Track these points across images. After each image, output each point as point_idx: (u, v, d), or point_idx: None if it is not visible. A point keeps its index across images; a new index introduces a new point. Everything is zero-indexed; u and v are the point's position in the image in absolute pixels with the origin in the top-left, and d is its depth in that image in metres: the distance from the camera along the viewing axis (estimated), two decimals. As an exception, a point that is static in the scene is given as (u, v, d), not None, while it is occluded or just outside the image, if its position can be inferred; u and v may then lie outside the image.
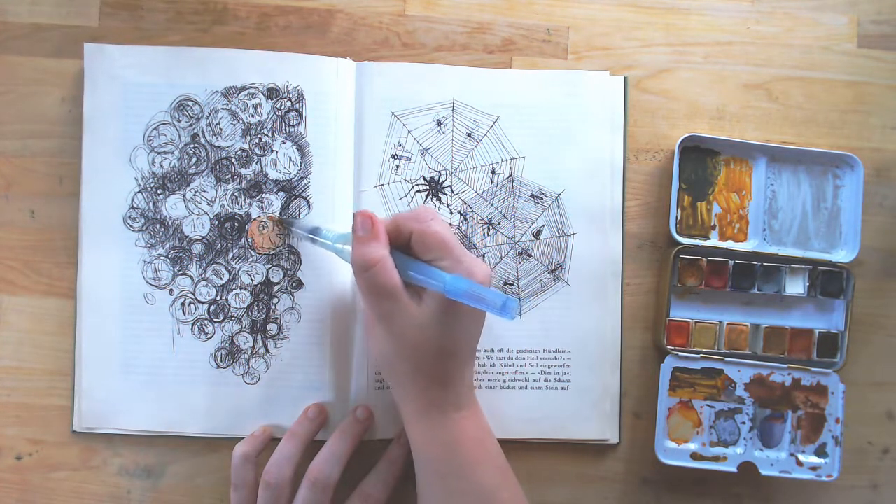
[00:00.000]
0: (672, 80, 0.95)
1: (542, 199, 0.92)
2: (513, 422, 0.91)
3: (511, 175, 0.92)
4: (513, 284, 0.92)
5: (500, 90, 0.93)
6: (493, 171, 0.92)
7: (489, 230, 0.92)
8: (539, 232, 0.92)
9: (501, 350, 0.91)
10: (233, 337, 0.89)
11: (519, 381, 0.92)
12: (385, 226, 0.78)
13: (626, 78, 0.94)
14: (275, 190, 0.89)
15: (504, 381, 0.91)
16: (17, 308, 0.91)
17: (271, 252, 0.89)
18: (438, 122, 0.91)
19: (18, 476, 0.91)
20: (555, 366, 0.92)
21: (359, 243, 0.76)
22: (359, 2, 0.93)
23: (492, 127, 0.92)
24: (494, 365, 0.91)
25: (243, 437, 0.87)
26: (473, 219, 0.92)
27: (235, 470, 0.84)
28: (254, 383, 0.89)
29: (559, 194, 0.92)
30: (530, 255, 0.92)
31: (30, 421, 0.91)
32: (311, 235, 0.86)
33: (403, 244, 0.79)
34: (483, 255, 0.92)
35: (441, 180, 0.91)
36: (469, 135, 0.92)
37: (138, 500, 0.91)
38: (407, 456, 0.87)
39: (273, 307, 0.89)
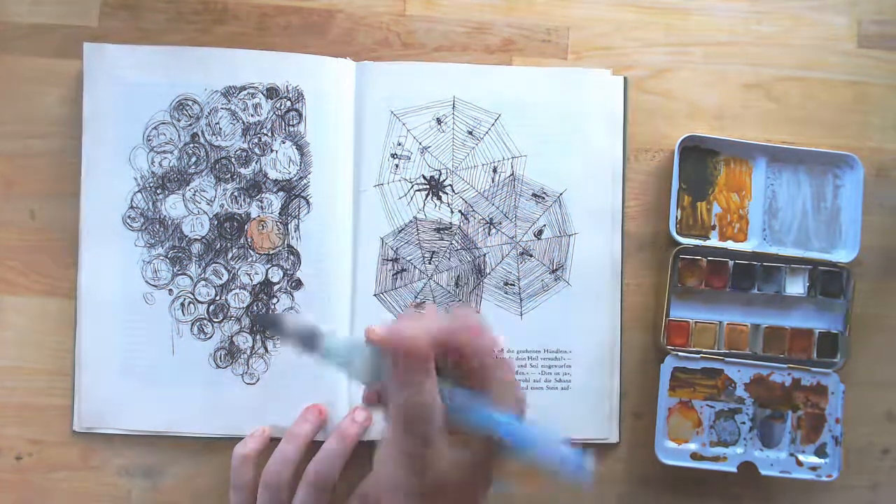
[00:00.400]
0: (672, 80, 0.95)
1: (543, 198, 0.92)
2: None
3: (512, 174, 0.92)
4: (514, 284, 0.92)
5: (502, 87, 0.93)
6: (495, 170, 0.92)
7: (490, 229, 0.92)
8: (540, 231, 0.92)
9: (501, 350, 0.90)
10: (232, 337, 0.89)
11: (519, 380, 0.91)
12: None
13: (625, 78, 0.94)
14: (274, 190, 0.89)
15: (504, 381, 0.91)
16: (17, 308, 0.91)
17: (270, 252, 0.89)
18: (438, 121, 0.91)
19: (18, 476, 0.91)
20: (555, 366, 0.92)
21: (405, 387, 0.60)
22: (359, 2, 0.94)
23: (493, 125, 0.92)
24: (494, 365, 0.91)
25: (243, 438, 0.87)
26: (474, 218, 0.92)
27: (235, 470, 0.84)
28: (253, 383, 0.89)
29: (561, 194, 0.92)
30: (531, 255, 0.92)
31: (30, 421, 0.91)
32: (305, 343, 0.65)
33: (441, 359, 0.62)
34: (484, 255, 0.92)
35: (441, 179, 0.91)
36: (470, 133, 0.92)
37: (138, 500, 0.91)
38: (360, 434, 0.86)
39: (272, 307, 0.89)
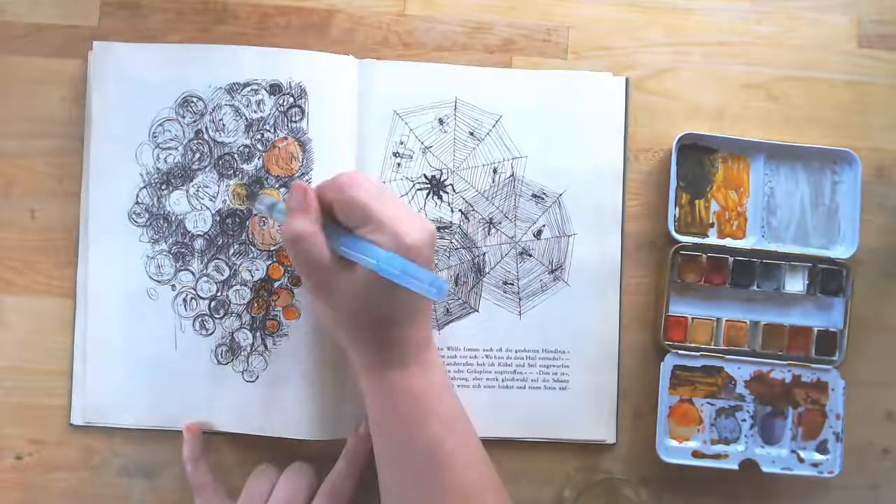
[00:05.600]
0: (672, 80, 0.95)
1: (543, 199, 0.92)
2: (510, 422, 0.92)
3: (513, 174, 0.92)
4: (513, 284, 0.92)
5: (503, 90, 0.93)
6: (495, 171, 0.92)
7: (490, 229, 0.92)
8: (540, 232, 0.92)
9: (500, 350, 0.92)
10: (233, 333, 0.89)
11: (517, 380, 0.92)
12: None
13: (627, 79, 0.94)
14: (276, 186, 0.89)
15: (502, 381, 0.92)
16: (17, 308, 0.91)
17: (272, 248, 0.89)
18: (440, 121, 0.92)
19: (18, 476, 0.91)
20: (553, 366, 0.92)
21: (290, 216, 0.77)
22: (359, 2, 0.94)
23: (494, 126, 0.92)
24: (493, 364, 0.92)
25: (245, 435, 0.89)
26: (474, 218, 0.92)
27: (190, 474, 0.87)
28: (252, 381, 0.89)
29: (560, 194, 0.92)
30: (531, 255, 0.92)
31: (30, 421, 0.91)
32: (268, 209, 0.83)
33: (332, 215, 0.78)
34: (483, 255, 0.92)
35: (442, 179, 0.92)
36: (471, 133, 0.92)
37: (138, 500, 0.91)
38: (367, 448, 0.87)
39: (273, 303, 0.89)
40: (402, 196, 0.91)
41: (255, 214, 0.89)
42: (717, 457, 0.90)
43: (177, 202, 0.89)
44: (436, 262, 0.91)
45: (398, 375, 0.78)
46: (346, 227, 0.77)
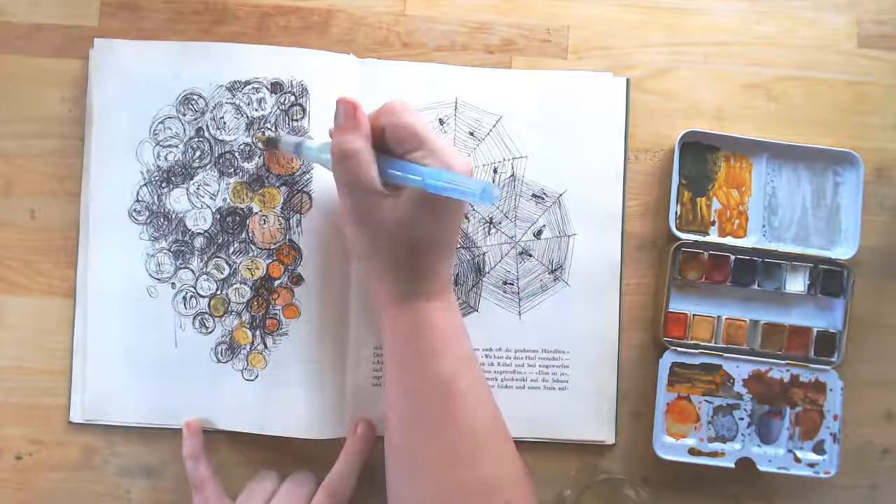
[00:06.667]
0: (672, 80, 0.95)
1: (543, 199, 0.92)
2: (510, 422, 0.88)
3: (513, 175, 0.92)
4: (513, 284, 0.92)
5: (504, 90, 0.93)
6: (496, 171, 0.92)
7: (490, 229, 0.92)
8: (540, 232, 0.92)
9: (500, 349, 0.92)
10: (233, 332, 0.89)
11: (516, 380, 0.92)
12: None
13: (628, 80, 0.94)
14: (277, 184, 0.89)
15: (502, 381, 0.92)
16: (17, 308, 0.91)
17: (272, 247, 0.89)
18: (441, 121, 0.92)
19: (18, 476, 0.91)
20: (553, 366, 0.92)
21: (339, 132, 0.76)
22: (359, 2, 0.94)
23: (494, 126, 0.92)
24: (493, 364, 0.92)
25: (244, 434, 0.89)
26: (474, 217, 0.92)
27: (191, 473, 0.86)
28: (252, 380, 0.89)
29: (560, 195, 0.92)
30: (531, 255, 0.92)
31: (29, 421, 0.91)
32: (294, 148, 0.85)
33: (379, 141, 0.77)
34: (483, 254, 0.92)
35: (442, 178, 0.91)
36: (471, 134, 0.92)
37: (138, 500, 0.91)
38: (366, 448, 0.88)
39: (273, 302, 0.89)
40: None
41: (254, 214, 0.89)
42: (713, 455, 0.90)
43: (177, 200, 0.89)
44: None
45: (424, 307, 0.78)
46: (391, 154, 0.76)
